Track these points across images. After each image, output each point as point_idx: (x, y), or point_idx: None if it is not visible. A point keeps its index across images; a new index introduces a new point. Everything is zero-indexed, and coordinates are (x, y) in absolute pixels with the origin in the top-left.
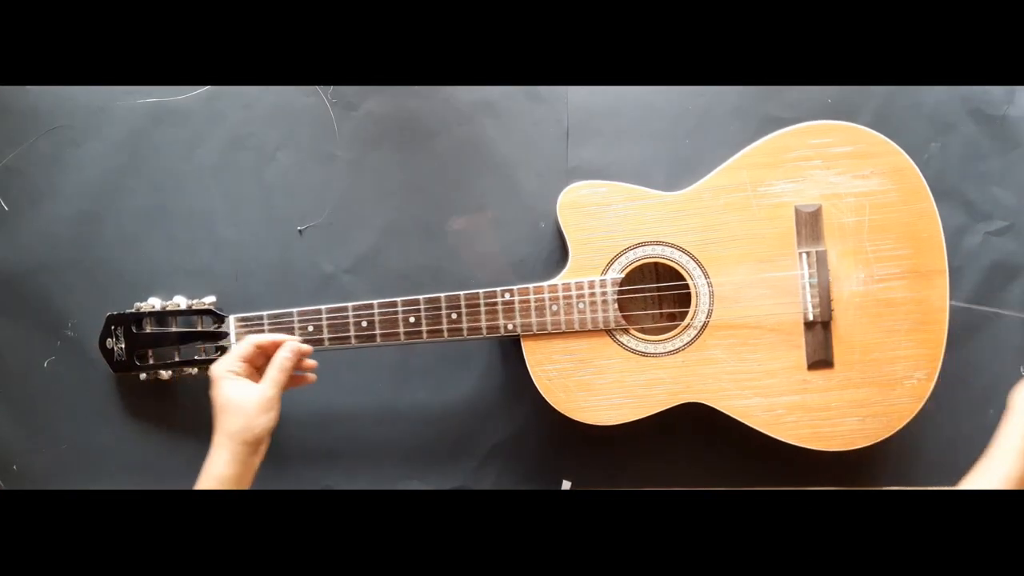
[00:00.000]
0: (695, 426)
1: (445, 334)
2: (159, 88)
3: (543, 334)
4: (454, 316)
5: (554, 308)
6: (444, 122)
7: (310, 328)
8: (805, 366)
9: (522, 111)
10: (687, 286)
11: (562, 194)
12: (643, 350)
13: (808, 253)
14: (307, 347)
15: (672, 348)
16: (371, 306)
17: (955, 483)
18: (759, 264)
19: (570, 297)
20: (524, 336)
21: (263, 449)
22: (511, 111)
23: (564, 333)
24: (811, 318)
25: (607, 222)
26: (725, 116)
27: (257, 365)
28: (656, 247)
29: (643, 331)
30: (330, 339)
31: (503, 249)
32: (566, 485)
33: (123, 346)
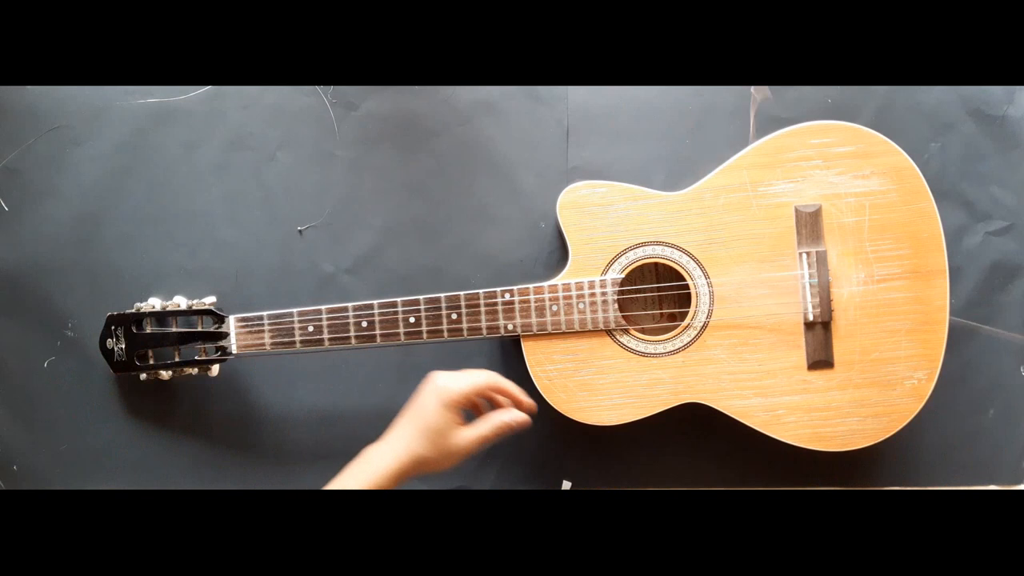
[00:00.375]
0: (695, 426)
1: (445, 334)
2: (159, 88)
3: (543, 334)
4: (454, 316)
5: (554, 308)
6: (444, 122)
7: (310, 328)
8: (805, 366)
9: (522, 111)
10: (687, 286)
11: (562, 194)
12: (643, 350)
13: (808, 253)
14: (528, 421)
15: (672, 348)
16: (371, 306)
17: (955, 483)
18: (759, 264)
19: (570, 297)
20: (524, 336)
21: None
22: (511, 111)
23: (564, 333)
24: (811, 318)
25: (607, 222)
26: (725, 116)
27: (476, 402)
28: (656, 247)
29: (643, 331)
30: (330, 339)
31: (503, 249)
32: (566, 485)
33: (123, 346)
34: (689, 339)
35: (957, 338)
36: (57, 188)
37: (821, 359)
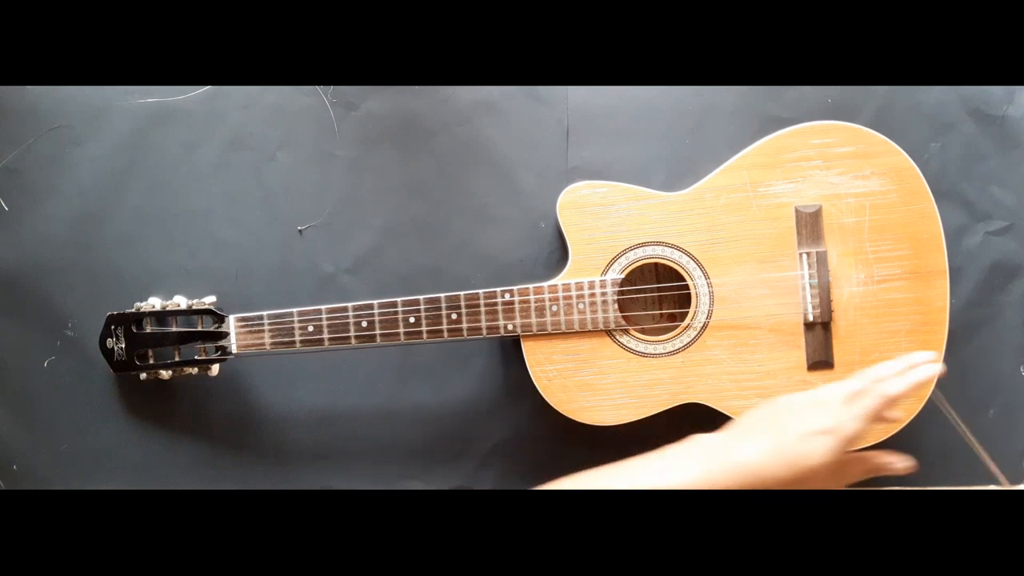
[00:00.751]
0: (695, 426)
1: (445, 334)
2: (159, 88)
3: (543, 334)
4: (454, 316)
5: (554, 308)
6: (444, 122)
7: (310, 328)
8: (805, 367)
9: (522, 111)
10: (687, 286)
11: (562, 194)
12: (643, 351)
13: (808, 254)
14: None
15: (672, 348)
16: (371, 306)
17: (955, 483)
18: (759, 264)
19: (570, 297)
20: (524, 336)
21: None
22: (511, 111)
23: (564, 333)
24: (811, 319)
25: (607, 222)
26: (725, 116)
27: None
28: (656, 247)
29: (643, 331)
30: (330, 339)
31: (503, 249)
32: None
33: (123, 346)
34: (689, 339)
35: (957, 338)
36: (57, 188)
37: (821, 359)
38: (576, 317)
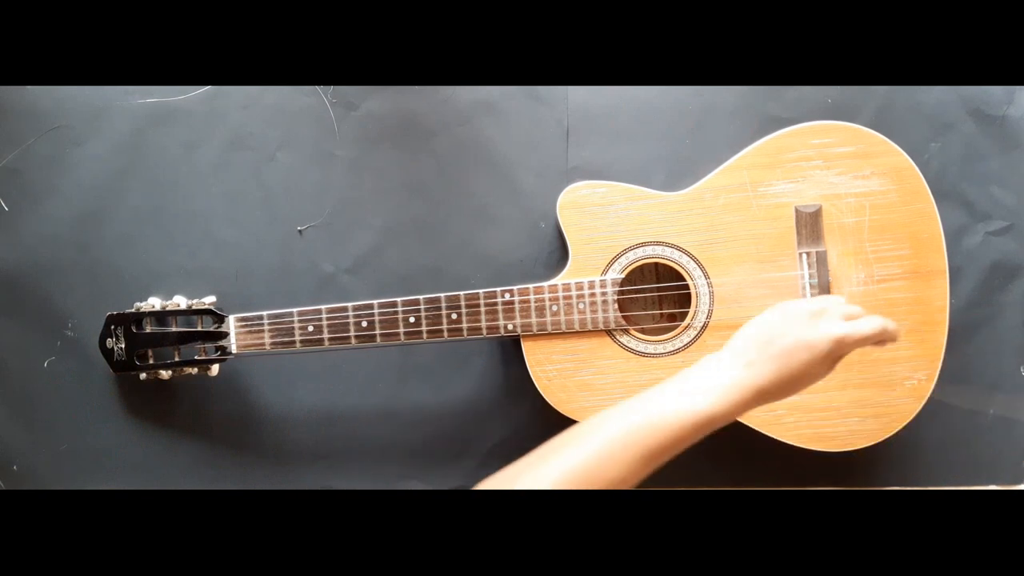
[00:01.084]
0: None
1: (445, 334)
2: (159, 88)
3: (543, 334)
4: (454, 316)
5: (554, 308)
6: (444, 122)
7: (310, 328)
8: None
9: (522, 111)
10: (687, 286)
11: (562, 194)
12: (643, 350)
13: (808, 253)
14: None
15: (672, 348)
16: (371, 306)
17: (955, 483)
18: (759, 264)
19: (570, 297)
20: (524, 336)
21: None
22: (511, 111)
23: (564, 333)
24: None
25: (607, 222)
26: (725, 116)
27: None
28: (656, 247)
29: (643, 331)
30: (330, 339)
31: (503, 249)
32: None
33: (123, 346)
34: (689, 339)
35: (957, 338)
36: (57, 188)
37: None
38: (576, 317)
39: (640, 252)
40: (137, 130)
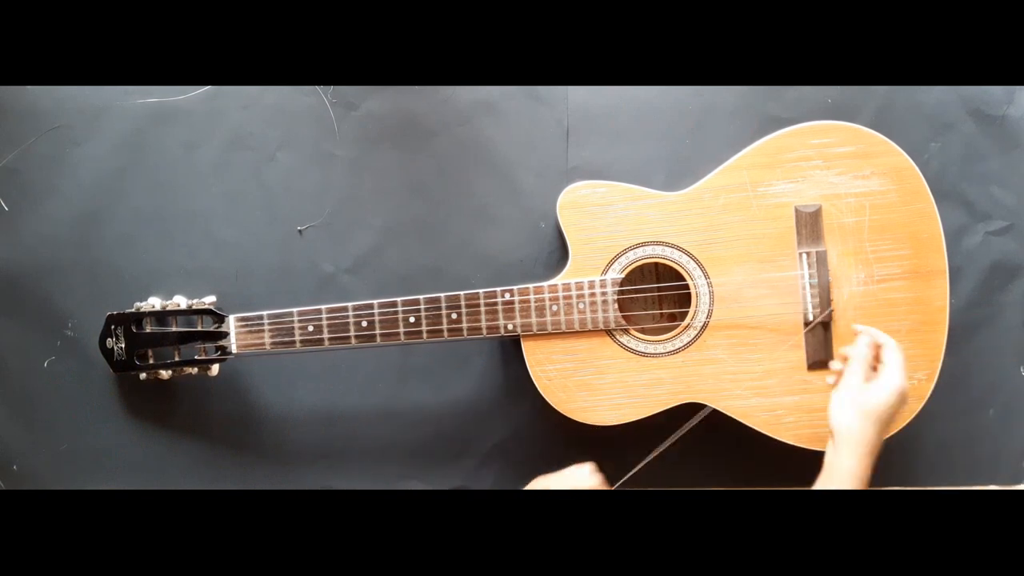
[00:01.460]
0: (695, 426)
1: (445, 334)
2: (159, 88)
3: (543, 334)
4: (454, 316)
5: (554, 308)
6: (444, 122)
7: (310, 328)
8: (805, 366)
9: (522, 111)
10: (687, 286)
11: (562, 194)
12: (643, 350)
13: (808, 253)
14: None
15: (672, 348)
16: (371, 306)
17: (955, 483)
18: (759, 264)
19: (570, 297)
20: (524, 336)
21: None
22: (511, 111)
23: (564, 333)
24: (811, 318)
25: (607, 222)
26: (725, 116)
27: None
28: (656, 247)
29: (643, 331)
30: (330, 339)
31: (503, 249)
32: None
33: (123, 346)
34: (689, 339)
35: (957, 338)
36: (57, 188)
37: (821, 359)
38: (576, 317)
39: (640, 252)
40: (137, 130)
